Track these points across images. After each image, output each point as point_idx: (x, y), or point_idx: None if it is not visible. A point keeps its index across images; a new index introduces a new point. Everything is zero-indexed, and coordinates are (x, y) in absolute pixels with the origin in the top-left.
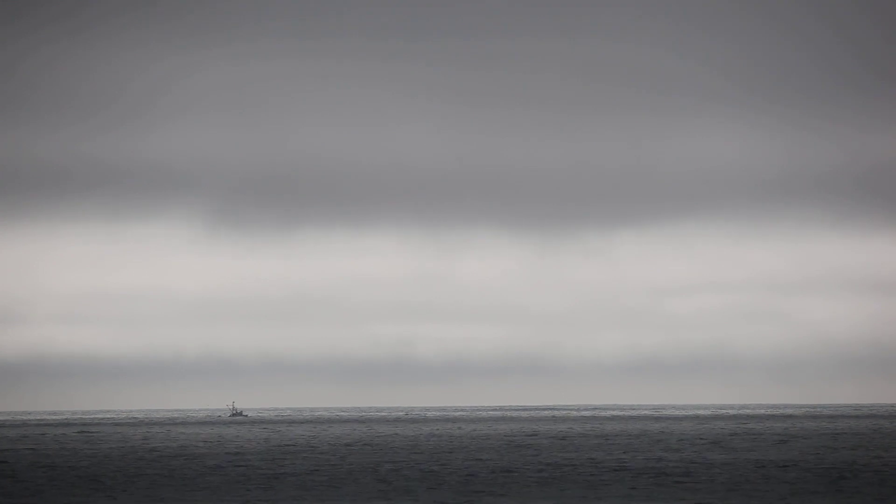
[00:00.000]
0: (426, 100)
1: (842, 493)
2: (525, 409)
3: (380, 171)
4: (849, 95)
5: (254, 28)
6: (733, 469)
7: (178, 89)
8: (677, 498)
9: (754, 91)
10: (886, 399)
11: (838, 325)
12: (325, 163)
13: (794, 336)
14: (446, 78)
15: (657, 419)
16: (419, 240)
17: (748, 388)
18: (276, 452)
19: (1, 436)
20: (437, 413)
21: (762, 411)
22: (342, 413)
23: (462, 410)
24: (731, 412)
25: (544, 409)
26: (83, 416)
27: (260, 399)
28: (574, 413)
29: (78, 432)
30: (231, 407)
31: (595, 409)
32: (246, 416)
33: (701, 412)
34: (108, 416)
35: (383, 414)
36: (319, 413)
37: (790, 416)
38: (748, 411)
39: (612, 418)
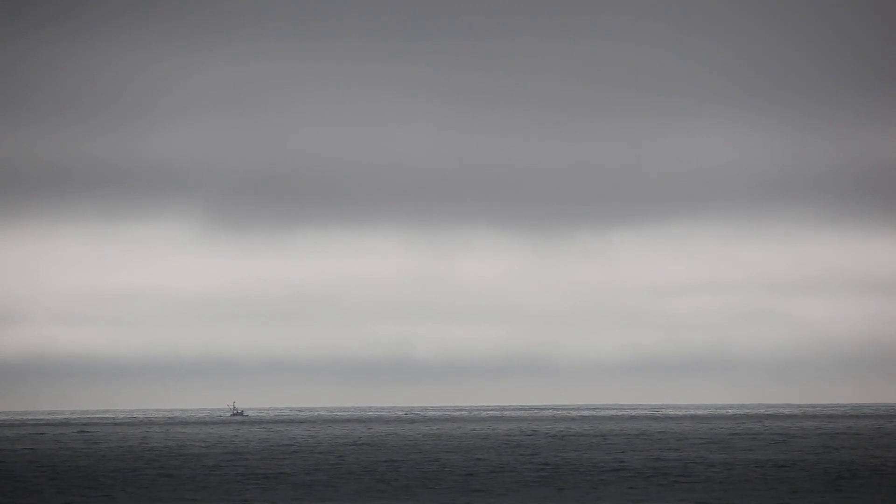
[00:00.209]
0: (426, 100)
1: (840, 492)
2: (524, 408)
3: (380, 171)
4: (849, 95)
5: (254, 28)
6: (732, 469)
7: (178, 89)
8: (676, 497)
9: (754, 91)
10: (886, 399)
11: (837, 325)
12: (325, 163)
13: (793, 336)
14: (446, 78)
15: (656, 419)
16: (419, 240)
17: (747, 388)
18: (276, 452)
19: (0, 436)
20: (437, 413)
21: (761, 411)
22: (341, 413)
23: (461, 410)
24: (730, 412)
25: (543, 409)
26: (83, 416)
27: (259, 399)
28: (573, 413)
29: (77, 432)
30: (232, 407)
31: (594, 408)
32: (246, 415)
33: (700, 412)
34: (108, 415)
35: (383, 414)
36: (319, 413)
37: (789, 416)
38: (747, 411)
39: (611, 418)
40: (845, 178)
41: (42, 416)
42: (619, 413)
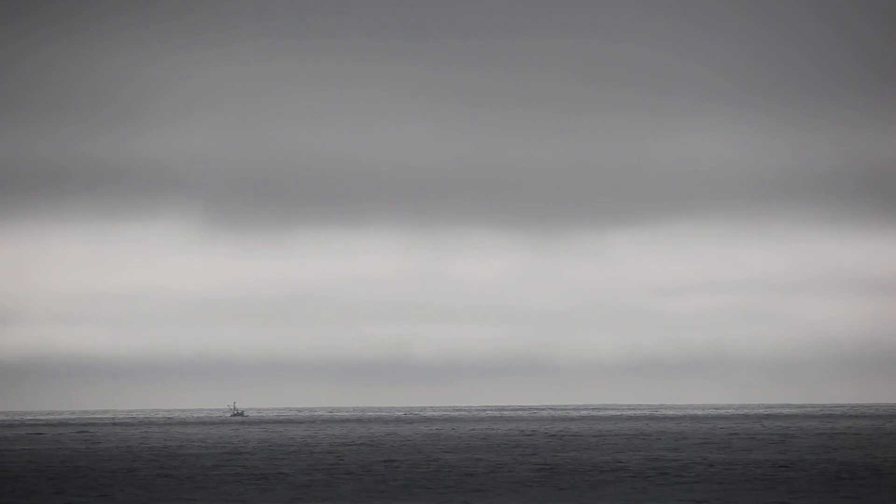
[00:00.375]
0: (426, 100)
1: (840, 492)
2: (523, 409)
3: (379, 171)
4: (849, 95)
5: (254, 28)
6: (731, 469)
7: (177, 89)
8: (675, 497)
9: (754, 91)
10: (885, 399)
11: (837, 325)
12: (324, 162)
13: (792, 336)
14: (446, 78)
15: (655, 419)
16: (418, 240)
17: (746, 388)
18: (275, 452)
19: None
20: (436, 413)
21: (760, 411)
22: (340, 413)
23: (460, 410)
24: (730, 412)
25: (542, 409)
26: (82, 417)
27: (258, 399)
28: (572, 413)
29: (77, 432)
30: (232, 407)
31: (593, 409)
32: (246, 416)
33: (699, 412)
34: (107, 416)
35: (381, 414)
36: (318, 413)
37: (788, 416)
38: (746, 411)
39: (610, 418)
40: (845, 178)
41: (41, 417)
42: (618, 413)
